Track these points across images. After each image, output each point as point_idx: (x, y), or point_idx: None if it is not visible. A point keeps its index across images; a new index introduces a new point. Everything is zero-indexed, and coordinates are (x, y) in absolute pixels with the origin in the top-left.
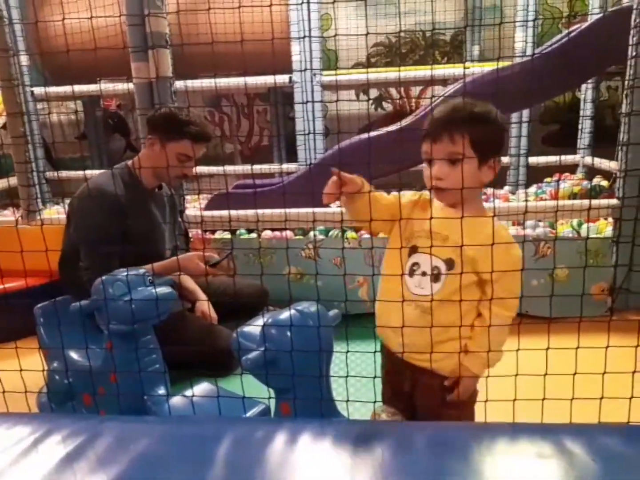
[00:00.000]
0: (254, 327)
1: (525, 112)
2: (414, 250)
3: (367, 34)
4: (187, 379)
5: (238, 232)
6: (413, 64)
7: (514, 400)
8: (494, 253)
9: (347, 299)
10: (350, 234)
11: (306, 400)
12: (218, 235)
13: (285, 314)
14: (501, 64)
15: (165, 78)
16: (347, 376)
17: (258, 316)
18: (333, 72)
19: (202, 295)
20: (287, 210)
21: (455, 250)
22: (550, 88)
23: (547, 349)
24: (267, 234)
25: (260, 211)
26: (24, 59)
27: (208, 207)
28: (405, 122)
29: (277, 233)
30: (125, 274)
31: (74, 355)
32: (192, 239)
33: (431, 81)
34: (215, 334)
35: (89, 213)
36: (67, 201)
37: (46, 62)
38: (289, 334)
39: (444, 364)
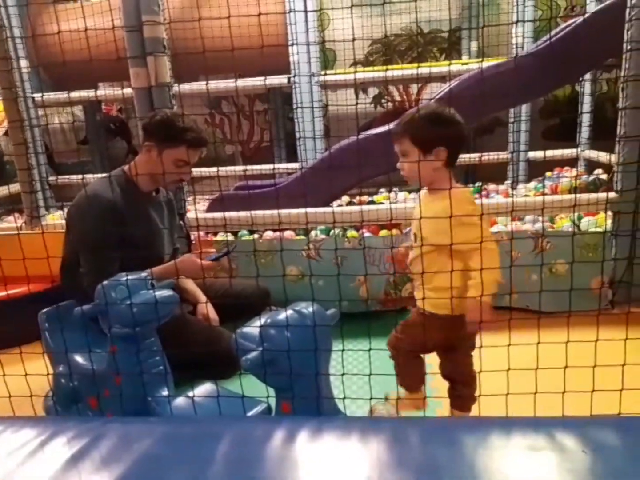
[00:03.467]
0: (253, 327)
1: (525, 107)
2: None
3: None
4: (191, 381)
5: (239, 233)
6: (411, 62)
7: (507, 394)
8: (447, 224)
9: (341, 298)
10: (350, 232)
11: (306, 399)
12: (220, 237)
13: (283, 314)
14: (499, 60)
15: (164, 84)
16: (343, 374)
17: (257, 317)
18: (331, 71)
19: (202, 297)
20: (285, 211)
21: (417, 227)
22: (547, 83)
23: (538, 343)
24: (268, 234)
25: (259, 213)
26: (24, 66)
27: (210, 209)
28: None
29: (278, 233)
30: (127, 277)
31: (78, 358)
32: (193, 242)
33: (428, 78)
34: (217, 336)
35: (86, 219)
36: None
37: (47, 68)
38: (287, 333)
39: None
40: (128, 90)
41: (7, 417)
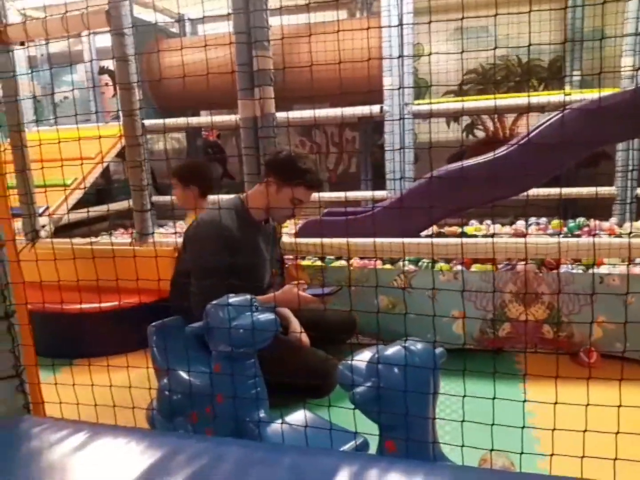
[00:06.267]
0: (361, 361)
1: (635, 140)
2: None
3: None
4: (284, 401)
5: (327, 259)
6: (507, 91)
7: (582, 457)
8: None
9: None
10: (442, 265)
11: (413, 441)
12: (308, 261)
13: (392, 350)
14: (604, 91)
15: (269, 114)
16: (462, 421)
17: (365, 350)
18: (424, 101)
19: (295, 321)
20: (379, 240)
21: None
22: None
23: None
24: (356, 261)
25: (350, 240)
26: (137, 94)
27: (299, 234)
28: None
29: (367, 261)
30: (236, 299)
31: (183, 374)
32: (287, 266)
33: (526, 108)
34: (311, 359)
35: (204, 242)
36: (171, 224)
37: (157, 97)
38: (396, 370)
39: None
40: (226, 117)
41: (130, 427)
